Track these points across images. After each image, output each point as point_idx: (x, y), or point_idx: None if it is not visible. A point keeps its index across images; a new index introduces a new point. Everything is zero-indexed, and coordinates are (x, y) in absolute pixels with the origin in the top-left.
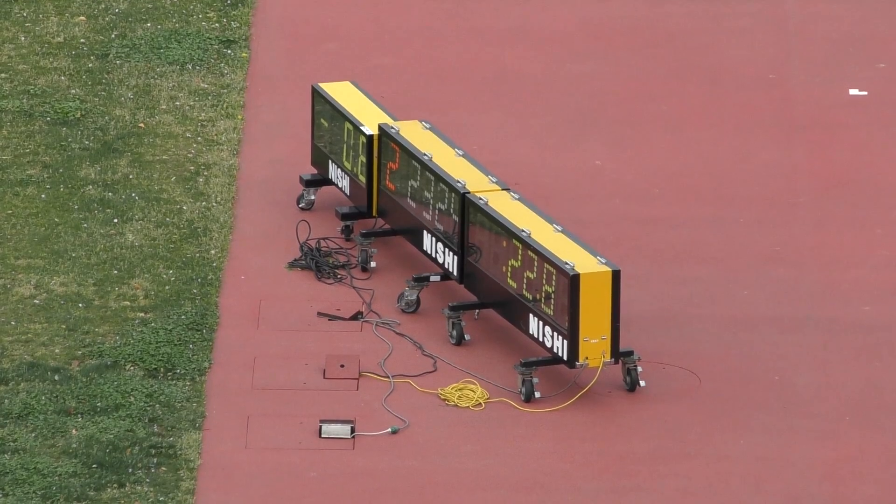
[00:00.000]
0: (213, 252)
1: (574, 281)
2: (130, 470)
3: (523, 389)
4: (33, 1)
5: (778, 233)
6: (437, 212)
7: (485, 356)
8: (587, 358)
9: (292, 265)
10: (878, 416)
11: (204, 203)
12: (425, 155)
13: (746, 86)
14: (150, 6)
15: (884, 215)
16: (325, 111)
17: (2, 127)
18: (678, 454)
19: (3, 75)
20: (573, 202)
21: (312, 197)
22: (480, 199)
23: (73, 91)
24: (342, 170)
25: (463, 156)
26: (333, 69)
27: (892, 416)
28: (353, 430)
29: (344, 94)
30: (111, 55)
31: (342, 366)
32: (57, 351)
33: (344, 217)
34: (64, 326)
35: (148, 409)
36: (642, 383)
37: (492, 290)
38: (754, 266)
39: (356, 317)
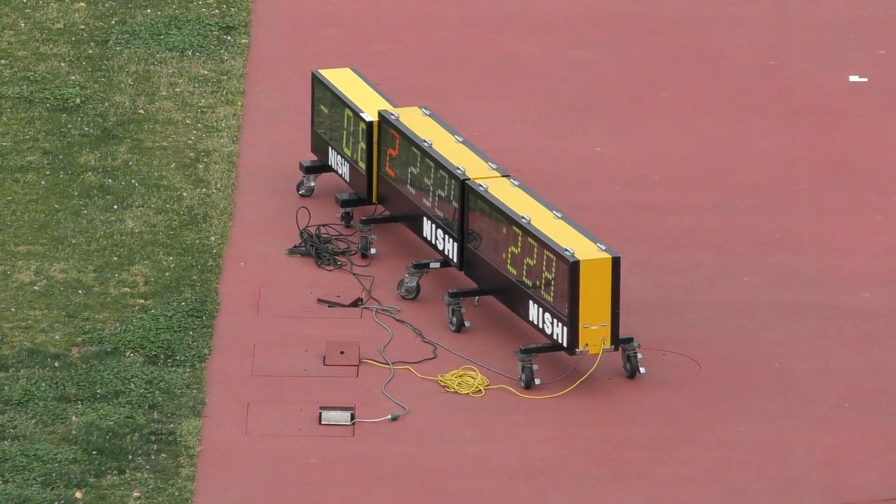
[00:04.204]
0: (212, 239)
1: (574, 268)
2: (130, 456)
3: (523, 376)
4: None
5: (778, 219)
6: (437, 198)
7: (485, 343)
8: (587, 345)
9: (292, 252)
10: (878, 403)
11: (204, 190)
12: (425, 141)
13: (747, 72)
14: None
15: (884, 202)
16: (325, 98)
17: (2, 113)
18: (678, 441)
19: (3, 61)
20: (573, 189)
21: (312, 183)
22: (480, 185)
23: (73, 77)
24: (342, 156)
25: (463, 142)
26: (333, 55)
27: (892, 402)
28: (352, 417)
29: (344, 80)
30: (111, 41)
31: (342, 352)
32: (57, 337)
33: (344, 204)
34: (64, 313)
35: (148, 395)
36: (642, 370)
37: (492, 276)
38: (754, 253)
39: (356, 303)
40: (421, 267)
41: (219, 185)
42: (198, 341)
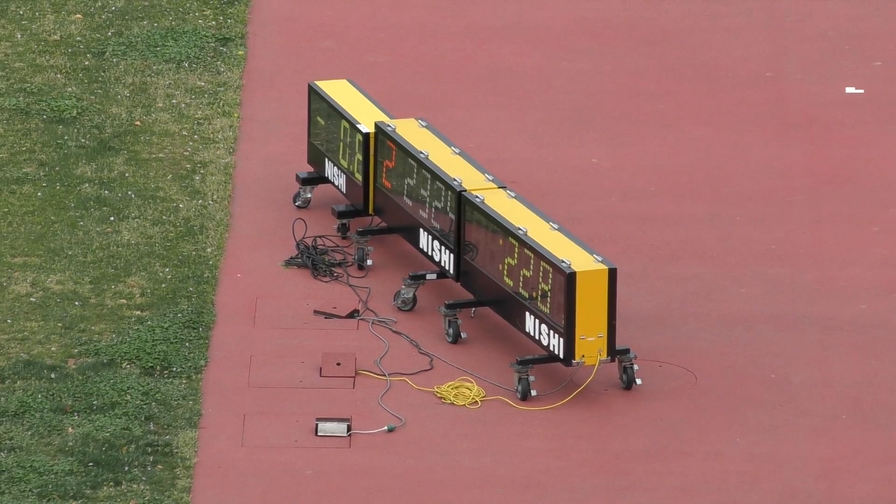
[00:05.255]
0: (209, 250)
1: (570, 279)
2: (126, 468)
3: (519, 387)
4: None
5: (774, 230)
6: (433, 210)
7: (481, 354)
8: (583, 356)
9: (289, 263)
10: (874, 414)
11: (200, 201)
12: (422, 153)
13: (743, 83)
14: (146, 4)
15: (880, 213)
16: (322, 109)
17: None
18: (674, 452)
19: None
20: (569, 200)
21: (309, 195)
22: (477, 196)
23: (70, 89)
24: (338, 168)
25: (459, 154)
26: (330, 66)
27: (889, 413)
28: (349, 429)
29: (340, 91)
30: (107, 53)
31: (338, 364)
32: (53, 349)
33: (340, 215)
34: (60, 324)
35: (144, 407)
36: (638, 381)
37: (488, 288)
38: (750, 264)
39: (352, 315)
40: (417, 278)
41: (215, 197)
42: (194, 353)
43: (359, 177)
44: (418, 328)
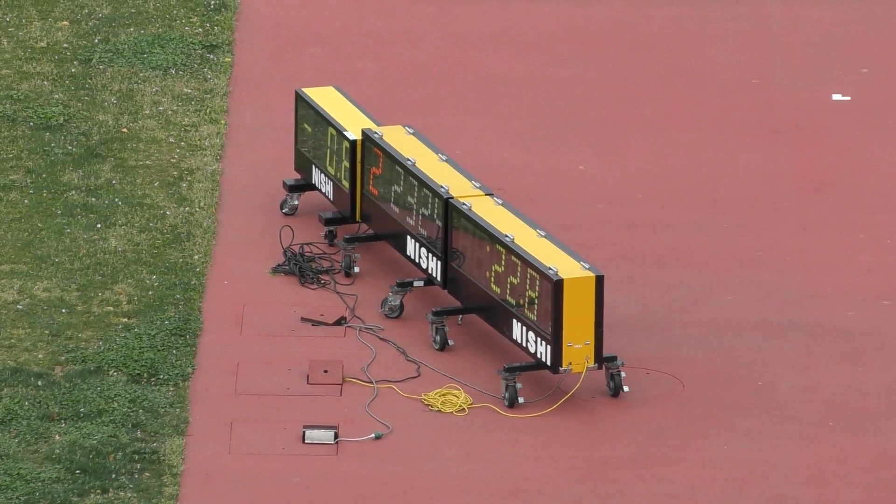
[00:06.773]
0: (196, 257)
1: (557, 286)
2: (114, 475)
3: (507, 395)
4: (16, 5)
5: (761, 237)
6: (420, 217)
7: (468, 361)
8: (571, 363)
9: (276, 270)
10: (861, 421)
11: (187, 208)
12: (409, 160)
13: (729, 90)
14: (133, 11)
15: (867, 220)
16: (309, 116)
17: None
18: (661, 459)
19: None
20: (556, 206)
21: (296, 202)
22: (464, 204)
23: (57, 96)
24: (325, 175)
25: (446, 160)
26: (317, 73)
27: (875, 420)
28: (336, 436)
29: (327, 98)
30: (94, 60)
31: (326, 371)
32: (40, 356)
33: (327, 222)
34: (47, 332)
35: (131, 414)
36: (626, 388)
37: (475, 295)
38: (738, 270)
39: (340, 322)
40: (404, 285)
41: (202, 204)
42: (181, 360)
43: (346, 184)
44: (405, 335)
